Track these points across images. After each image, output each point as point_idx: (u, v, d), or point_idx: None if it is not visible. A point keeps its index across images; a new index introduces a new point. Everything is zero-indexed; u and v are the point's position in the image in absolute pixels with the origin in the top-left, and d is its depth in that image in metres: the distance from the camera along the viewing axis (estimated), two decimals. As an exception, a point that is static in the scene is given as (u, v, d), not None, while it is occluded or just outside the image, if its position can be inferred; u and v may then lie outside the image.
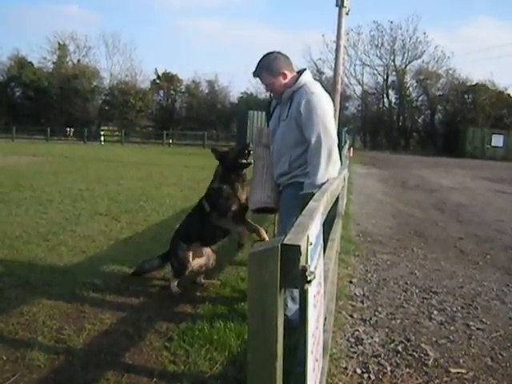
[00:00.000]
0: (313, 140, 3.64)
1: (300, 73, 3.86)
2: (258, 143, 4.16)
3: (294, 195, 3.70)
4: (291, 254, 1.40)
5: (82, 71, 54.52)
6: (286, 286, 1.45)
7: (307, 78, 3.84)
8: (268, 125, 4.19)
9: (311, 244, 1.62)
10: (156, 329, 3.76)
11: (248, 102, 51.98)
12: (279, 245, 1.39)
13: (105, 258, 5.53)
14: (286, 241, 1.43)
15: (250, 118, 30.20)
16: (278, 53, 3.88)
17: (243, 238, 4.72)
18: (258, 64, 3.86)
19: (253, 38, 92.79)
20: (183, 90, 59.46)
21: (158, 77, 58.10)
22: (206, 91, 58.73)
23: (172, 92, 58.84)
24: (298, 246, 1.42)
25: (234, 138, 28.67)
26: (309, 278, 1.45)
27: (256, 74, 3.91)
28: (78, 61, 58.19)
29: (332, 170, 3.73)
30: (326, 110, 3.71)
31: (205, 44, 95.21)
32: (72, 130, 47.69)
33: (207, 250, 4.73)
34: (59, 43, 57.15)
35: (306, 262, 1.51)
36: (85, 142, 40.60)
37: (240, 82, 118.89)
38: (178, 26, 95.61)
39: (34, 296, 4.27)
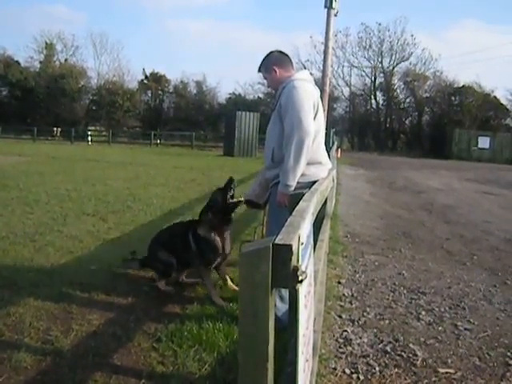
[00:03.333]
0: (286, 132, 3.77)
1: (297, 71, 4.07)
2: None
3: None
4: (283, 253, 1.40)
5: (69, 71, 54.14)
6: (278, 285, 1.44)
7: (300, 75, 4.00)
8: None
9: (302, 244, 1.62)
10: (144, 330, 3.74)
11: (236, 103, 51.99)
12: (271, 244, 1.38)
13: (92, 258, 5.49)
14: (278, 240, 1.42)
15: (237, 119, 30.10)
16: (277, 51, 4.16)
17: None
18: (262, 61, 4.15)
19: (241, 39, 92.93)
20: (171, 91, 59.22)
21: (146, 77, 57.83)
22: (194, 92, 58.56)
23: (160, 92, 58.58)
24: (290, 246, 1.41)
25: (221, 139, 28.62)
26: (300, 278, 1.45)
27: (258, 70, 4.21)
28: (66, 60, 57.79)
29: (303, 166, 3.78)
30: (302, 104, 3.76)
31: (193, 44, 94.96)
32: (59, 129, 47.34)
33: None
34: (46, 42, 56.74)
35: (298, 262, 1.51)
36: (72, 142, 40.30)
37: (228, 83, 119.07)
38: (165, 26, 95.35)
39: (21, 297, 4.22)
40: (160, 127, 51.02)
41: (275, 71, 4.03)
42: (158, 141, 42.57)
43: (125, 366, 3.23)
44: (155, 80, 57.37)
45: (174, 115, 56.74)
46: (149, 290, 4.61)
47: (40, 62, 56.33)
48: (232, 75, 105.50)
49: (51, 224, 7.01)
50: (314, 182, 3.73)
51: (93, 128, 50.07)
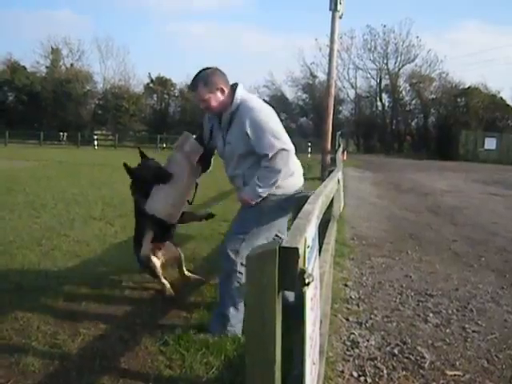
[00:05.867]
0: (268, 153, 3.57)
1: (234, 88, 3.76)
2: (180, 149, 4.17)
3: (263, 209, 3.71)
4: (289, 256, 1.40)
5: (75, 75, 54.43)
6: (284, 288, 1.44)
7: (242, 93, 3.73)
8: (200, 141, 4.13)
9: (308, 247, 1.62)
10: (151, 333, 3.73)
11: (241, 106, 51.91)
12: (277, 247, 1.38)
13: (99, 262, 5.51)
14: (284, 243, 1.42)
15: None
16: (216, 69, 3.78)
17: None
18: (195, 77, 3.74)
19: (245, 42, 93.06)
20: (177, 94, 59.41)
21: (152, 81, 58.04)
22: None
23: (165, 96, 58.80)
24: (296, 249, 1.41)
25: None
26: (307, 281, 1.45)
27: (193, 87, 3.76)
28: (72, 65, 58.11)
29: (290, 178, 3.77)
30: (269, 121, 3.65)
31: (198, 48, 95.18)
32: (65, 134, 47.59)
33: (167, 244, 4.72)
34: (52, 47, 57.11)
35: (304, 265, 1.51)
36: (78, 147, 40.46)
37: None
38: (170, 30, 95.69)
39: (29, 301, 4.24)
40: (166, 131, 51.11)
41: (222, 90, 3.71)
42: (164, 144, 42.63)
43: (132, 370, 3.23)
44: (161, 84, 57.58)
45: (179, 119, 56.83)
46: (155, 294, 4.61)
47: (46, 67, 56.70)
48: (237, 78, 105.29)
49: (58, 228, 7.03)
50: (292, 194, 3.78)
51: (99, 132, 50.30)
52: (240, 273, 3.66)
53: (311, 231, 1.78)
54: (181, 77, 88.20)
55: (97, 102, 56.55)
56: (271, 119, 3.70)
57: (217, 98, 3.71)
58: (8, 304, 4.15)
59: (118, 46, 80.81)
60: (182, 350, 3.45)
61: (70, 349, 3.44)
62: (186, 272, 4.92)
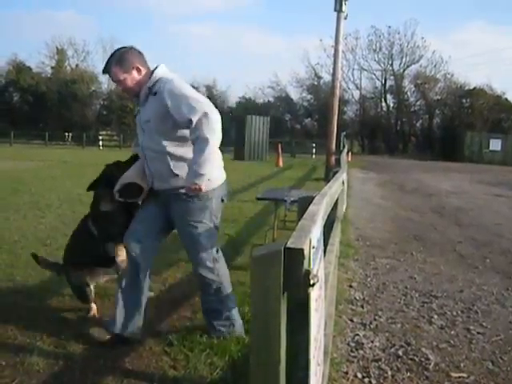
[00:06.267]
0: (190, 117, 3.26)
1: (155, 69, 3.52)
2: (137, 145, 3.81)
3: (199, 209, 3.51)
4: (294, 257, 1.40)
5: (80, 76, 54.58)
6: (289, 289, 1.44)
7: (161, 71, 3.49)
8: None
9: (314, 247, 1.62)
10: (156, 333, 3.74)
11: (246, 107, 52.09)
12: (282, 248, 1.38)
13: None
14: (290, 244, 1.42)
15: (248, 123, 30.17)
16: (132, 47, 3.55)
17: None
18: (109, 58, 3.48)
19: (250, 43, 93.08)
20: (181, 95, 59.49)
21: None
22: (205, 96, 58.75)
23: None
24: (302, 250, 1.41)
25: (232, 143, 28.77)
26: (312, 282, 1.45)
27: (106, 69, 3.48)
28: (77, 65, 58.32)
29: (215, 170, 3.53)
30: (188, 88, 3.43)
31: (201, 48, 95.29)
32: (70, 134, 47.70)
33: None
34: (57, 48, 57.27)
35: (309, 266, 1.51)
36: (83, 147, 40.55)
37: (238, 87, 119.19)
38: (174, 30, 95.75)
39: (33, 301, 4.26)
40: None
41: (139, 70, 3.44)
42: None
43: (136, 370, 3.24)
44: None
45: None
46: (160, 294, 4.62)
47: (52, 68, 56.85)
48: (242, 79, 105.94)
49: (63, 228, 7.04)
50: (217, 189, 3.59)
51: (104, 133, 50.32)
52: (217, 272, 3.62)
53: (316, 232, 1.78)
54: (186, 78, 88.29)
55: (102, 102, 56.74)
56: (192, 89, 3.44)
57: (133, 78, 3.44)
58: (13, 304, 4.17)
59: (123, 45, 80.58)
60: (186, 350, 3.46)
61: (74, 349, 3.45)
62: None
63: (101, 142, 42.87)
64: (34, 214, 8.25)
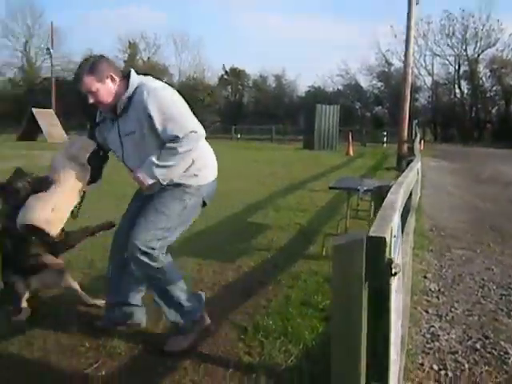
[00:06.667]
0: (178, 135, 3.13)
1: (127, 77, 3.27)
2: (65, 150, 3.58)
3: (175, 197, 3.32)
4: (377, 246, 1.40)
5: (151, 69, 55.71)
6: (371, 279, 1.44)
7: (136, 78, 3.27)
8: (92, 136, 3.62)
9: (394, 236, 1.61)
10: (230, 320, 3.82)
11: (316, 95, 51.79)
12: (365, 237, 1.39)
13: (179, 250, 5.64)
14: (372, 233, 1.42)
15: (317, 112, 29.99)
16: (102, 56, 3.32)
17: None
18: (78, 68, 3.22)
19: (319, 31, 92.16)
20: (250, 85, 59.85)
21: (226, 72, 58.73)
22: (274, 85, 58.88)
23: (239, 87, 59.37)
24: (383, 238, 1.41)
25: (301, 132, 28.61)
26: (394, 271, 1.44)
27: (77, 79, 3.19)
28: (148, 59, 59.78)
29: (204, 169, 3.41)
30: (176, 101, 3.30)
31: (271, 38, 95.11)
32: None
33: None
34: (130, 42, 58.88)
35: (391, 255, 1.50)
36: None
37: (307, 76, 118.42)
38: (244, 20, 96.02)
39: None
40: (240, 121, 51.58)
41: (113, 78, 3.21)
42: (239, 135, 43.04)
43: (212, 355, 3.31)
44: (235, 75, 58.17)
45: (253, 109, 57.30)
46: (234, 282, 4.70)
47: (124, 61, 58.38)
48: (311, 68, 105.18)
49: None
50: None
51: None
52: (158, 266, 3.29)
53: (396, 221, 1.77)
54: (255, 68, 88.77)
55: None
56: (178, 99, 3.30)
57: (107, 88, 3.19)
58: (94, 291, 4.34)
59: (193, 39, 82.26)
60: (260, 337, 3.51)
61: (153, 334, 3.57)
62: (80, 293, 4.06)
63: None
64: (111, 203, 8.53)
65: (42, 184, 3.48)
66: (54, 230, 3.41)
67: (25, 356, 3.26)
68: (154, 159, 3.13)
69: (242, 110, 58.07)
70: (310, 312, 3.92)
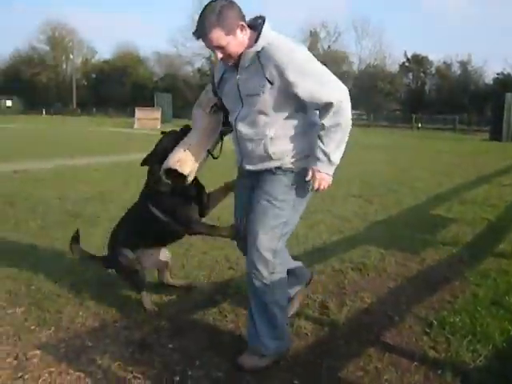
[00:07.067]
0: (333, 101, 2.66)
1: (254, 25, 2.75)
2: (197, 106, 3.33)
3: (287, 186, 2.89)
4: None
5: (331, 57, 56.09)
6: None
7: (270, 32, 2.72)
8: (215, 94, 3.15)
9: None
10: (415, 313, 3.75)
11: (505, 84, 48.25)
12: None
13: (361, 238, 5.68)
14: None
15: (506, 101, 27.93)
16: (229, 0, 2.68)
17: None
18: (201, 18, 2.64)
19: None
20: (433, 72, 57.51)
21: (407, 59, 57.04)
22: (458, 73, 55.99)
23: (421, 74, 57.35)
24: None
25: (487, 123, 26.81)
26: None
27: (201, 32, 2.65)
28: (329, 47, 60.10)
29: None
30: (318, 62, 2.73)
31: (456, 24, 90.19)
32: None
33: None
34: (311, 31, 59.71)
35: None
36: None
37: (495, 62, 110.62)
38: (426, 5, 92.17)
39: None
40: (421, 110, 49.86)
41: (243, 27, 2.67)
42: (419, 124, 41.67)
43: (396, 346, 3.28)
44: (416, 62, 56.35)
45: (435, 98, 55.07)
46: (417, 275, 4.61)
47: (306, 51, 59.58)
48: (500, 54, 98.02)
49: (321, 204, 7.38)
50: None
51: (353, 112, 50.98)
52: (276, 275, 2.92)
53: None
54: (438, 54, 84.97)
55: (352, 82, 57.61)
56: (318, 62, 2.74)
57: (238, 41, 2.67)
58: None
59: (374, 25, 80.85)
60: (446, 333, 3.41)
61: (337, 318, 3.64)
62: (171, 280, 4.16)
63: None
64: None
65: (182, 133, 3.37)
66: (186, 169, 3.16)
67: (219, 327, 3.52)
68: (323, 147, 2.73)
69: (424, 98, 56.06)
70: (500, 313, 3.72)
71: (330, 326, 3.53)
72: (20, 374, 2.84)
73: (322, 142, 2.73)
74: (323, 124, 2.70)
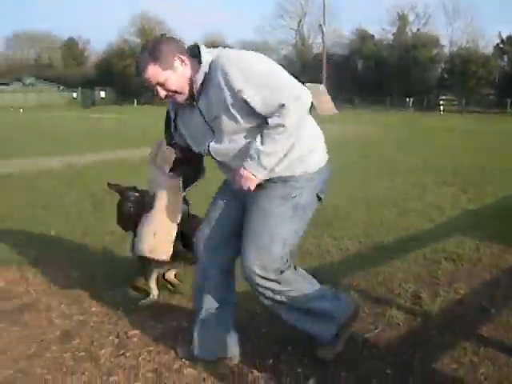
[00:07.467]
0: (284, 102, 2.38)
1: (195, 54, 2.56)
2: (153, 161, 3.05)
3: (280, 197, 2.63)
4: None
5: (421, 40, 54.40)
6: None
7: (208, 51, 2.54)
8: (170, 138, 2.94)
9: None
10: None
11: None
12: None
13: (454, 227, 5.51)
14: None
15: None
16: (162, 35, 2.63)
17: None
18: (139, 57, 2.53)
19: None
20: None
21: (502, 41, 54.24)
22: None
23: (517, 56, 54.44)
24: None
25: None
26: None
27: (138, 71, 2.52)
28: (418, 30, 58.37)
29: (311, 154, 2.66)
30: (270, 63, 2.54)
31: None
32: (411, 99, 48.22)
33: None
34: (399, 14, 58.21)
35: None
36: (423, 112, 40.49)
37: None
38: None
39: (389, 258, 4.52)
40: (517, 95, 47.37)
41: (182, 61, 2.50)
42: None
43: (493, 340, 3.15)
44: (512, 44, 53.51)
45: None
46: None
47: (392, 34, 58.11)
48: None
49: (412, 192, 7.21)
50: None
51: (444, 97, 49.36)
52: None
53: None
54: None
55: (443, 66, 55.63)
56: (266, 61, 2.55)
57: (179, 74, 2.52)
58: (371, 260, 4.49)
59: (465, 5, 77.35)
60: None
61: (430, 308, 3.54)
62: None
63: (441, 107, 42.25)
64: (382, 178, 8.66)
65: (148, 199, 3.16)
66: (162, 254, 3.09)
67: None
68: (258, 146, 2.47)
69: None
70: None
71: (422, 316, 3.45)
72: (122, 352, 3.00)
73: (261, 140, 2.47)
74: (269, 123, 2.45)
